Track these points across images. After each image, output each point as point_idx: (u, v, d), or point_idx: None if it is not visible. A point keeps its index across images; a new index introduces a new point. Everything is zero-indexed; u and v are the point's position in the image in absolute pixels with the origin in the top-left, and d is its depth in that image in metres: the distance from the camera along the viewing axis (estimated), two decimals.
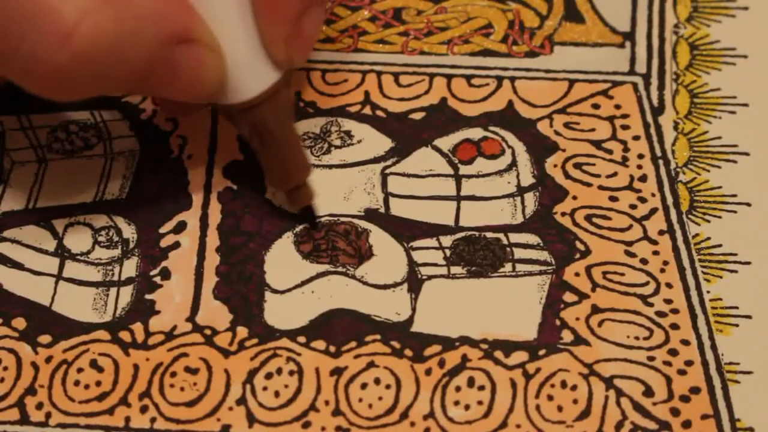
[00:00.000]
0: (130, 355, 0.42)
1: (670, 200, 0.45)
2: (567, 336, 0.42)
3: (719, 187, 0.46)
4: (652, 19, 0.50)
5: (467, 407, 0.41)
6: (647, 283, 0.43)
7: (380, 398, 0.41)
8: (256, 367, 0.42)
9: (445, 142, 0.47)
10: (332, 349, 0.42)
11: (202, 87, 0.40)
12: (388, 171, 0.46)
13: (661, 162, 0.46)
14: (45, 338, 0.42)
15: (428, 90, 0.48)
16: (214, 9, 0.40)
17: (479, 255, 0.44)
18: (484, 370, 0.41)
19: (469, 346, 0.42)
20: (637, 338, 0.42)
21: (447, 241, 0.44)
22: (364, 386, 0.41)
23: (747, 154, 0.47)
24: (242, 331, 0.42)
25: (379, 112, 0.48)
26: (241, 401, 0.41)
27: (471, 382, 0.41)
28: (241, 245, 0.44)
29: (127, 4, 0.38)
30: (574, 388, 0.41)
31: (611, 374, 0.41)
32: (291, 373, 0.41)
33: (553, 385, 0.41)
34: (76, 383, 0.41)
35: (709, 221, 0.45)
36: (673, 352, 0.42)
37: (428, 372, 0.41)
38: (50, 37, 0.37)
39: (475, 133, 0.47)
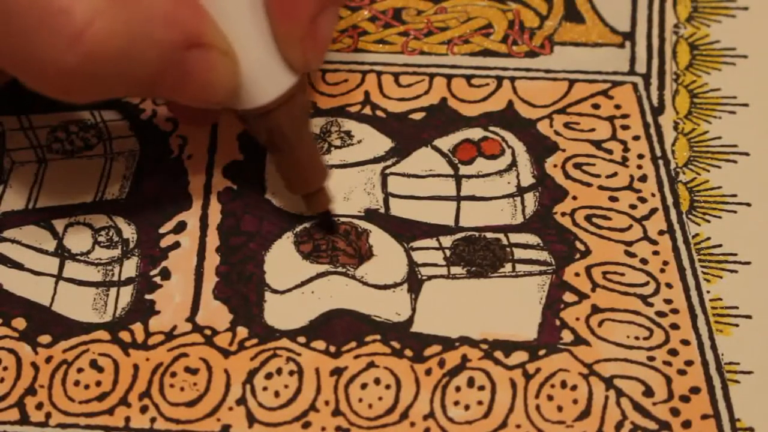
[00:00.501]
0: (130, 355, 0.42)
1: (670, 200, 0.45)
2: (567, 336, 0.42)
3: (719, 187, 0.46)
4: (652, 19, 0.50)
5: (467, 407, 0.41)
6: (647, 283, 0.43)
7: (380, 398, 0.41)
8: (256, 367, 0.42)
9: (445, 142, 0.47)
10: (332, 349, 0.42)
11: (214, 92, 0.40)
12: (388, 171, 0.46)
13: (661, 162, 0.46)
14: (45, 338, 0.42)
15: (428, 90, 0.48)
16: (227, 12, 0.40)
17: (479, 255, 0.44)
18: (484, 370, 0.41)
19: (469, 346, 0.42)
20: (637, 338, 0.42)
21: (447, 241, 0.44)
22: (364, 386, 0.41)
23: (747, 154, 0.47)
24: (242, 331, 0.42)
25: (379, 112, 0.48)
26: (241, 401, 0.41)
27: (471, 382, 0.41)
28: (241, 245, 0.44)
29: (137, 7, 0.37)
30: (574, 388, 0.41)
31: (611, 374, 0.41)
32: (291, 373, 0.41)
33: (553, 385, 0.41)
34: (76, 383, 0.41)
35: (709, 221, 0.45)
36: (673, 352, 0.42)
37: (428, 372, 0.41)
38: (60, 38, 0.37)
39: (475, 133, 0.47)
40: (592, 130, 0.47)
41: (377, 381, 0.41)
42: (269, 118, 0.42)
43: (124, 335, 0.42)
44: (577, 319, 0.42)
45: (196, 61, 0.39)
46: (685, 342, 0.42)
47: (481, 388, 0.41)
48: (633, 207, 0.45)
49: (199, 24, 0.39)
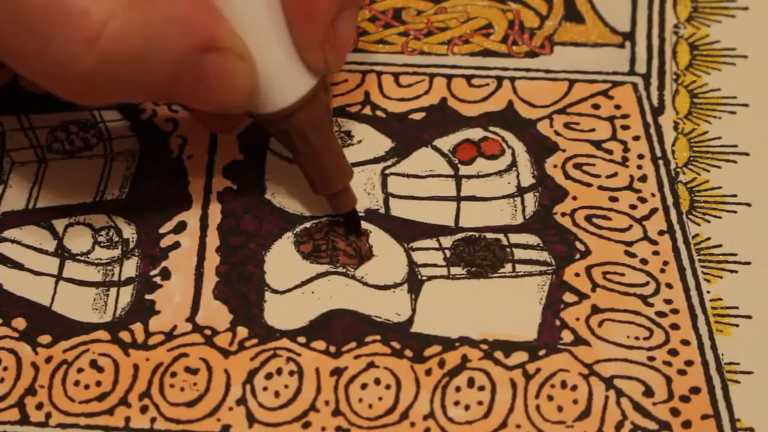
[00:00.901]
0: (130, 355, 0.42)
1: (670, 200, 0.45)
2: (567, 336, 0.42)
3: (719, 187, 0.46)
4: (652, 19, 0.50)
5: (467, 407, 0.41)
6: (647, 284, 0.43)
7: (380, 398, 0.41)
8: (256, 368, 0.42)
9: (445, 143, 0.47)
10: (332, 349, 0.42)
11: (232, 97, 0.40)
12: (388, 171, 0.46)
13: (661, 162, 0.46)
14: (45, 338, 0.42)
15: (428, 90, 0.48)
16: (244, 16, 0.39)
17: (479, 256, 0.44)
18: (484, 370, 0.41)
19: (469, 347, 0.42)
20: (637, 338, 0.42)
21: (447, 241, 0.44)
22: (364, 386, 0.41)
23: (747, 154, 0.47)
24: (242, 332, 0.42)
25: (379, 113, 0.48)
26: (241, 401, 0.41)
27: (471, 383, 0.41)
28: (241, 245, 0.44)
29: (153, 9, 0.37)
30: (574, 388, 0.41)
31: (611, 374, 0.41)
32: (291, 373, 0.41)
33: (553, 386, 0.41)
34: (76, 383, 0.41)
35: (709, 221, 0.45)
36: (673, 352, 0.42)
37: (428, 372, 0.41)
38: (76, 39, 0.37)
39: (475, 133, 0.47)
40: (592, 130, 0.47)
41: (377, 381, 0.41)
42: (290, 121, 0.41)
43: (124, 335, 0.42)
44: (577, 319, 0.43)
45: (212, 65, 0.39)
46: (685, 342, 0.42)
47: (481, 388, 0.41)
48: (633, 207, 0.45)
49: (215, 28, 0.39)
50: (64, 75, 0.38)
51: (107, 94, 0.39)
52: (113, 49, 0.37)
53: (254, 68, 0.40)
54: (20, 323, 0.43)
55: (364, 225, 0.45)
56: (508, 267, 0.44)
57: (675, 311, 0.43)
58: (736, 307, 0.43)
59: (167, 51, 0.38)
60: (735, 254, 0.44)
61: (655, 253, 0.44)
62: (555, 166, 0.46)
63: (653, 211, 0.45)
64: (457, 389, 0.41)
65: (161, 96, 0.40)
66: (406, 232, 0.45)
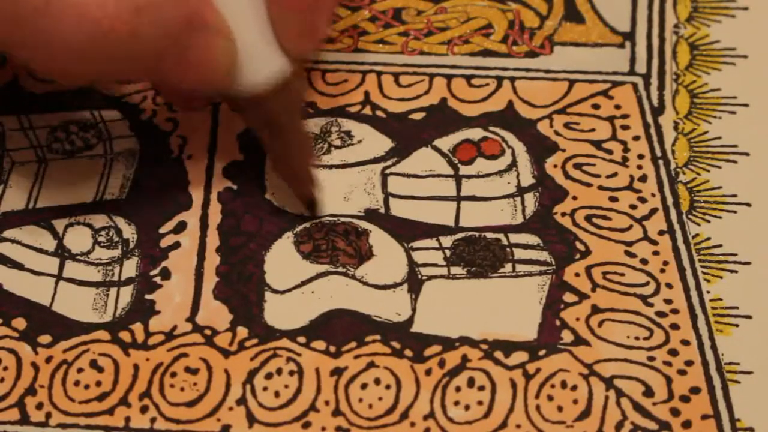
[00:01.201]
0: (130, 355, 0.42)
1: (670, 200, 0.45)
2: (567, 336, 0.42)
3: (719, 187, 0.46)
4: (652, 19, 0.50)
5: (467, 407, 0.41)
6: (647, 284, 0.43)
7: (380, 398, 0.41)
8: (256, 367, 0.42)
9: (445, 143, 0.47)
10: (332, 349, 0.42)
11: (213, 75, 0.41)
12: (388, 171, 0.46)
13: (661, 162, 0.46)
14: (45, 338, 0.42)
15: (428, 90, 0.48)
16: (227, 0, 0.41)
17: (479, 255, 0.44)
18: (484, 370, 0.41)
19: (469, 347, 0.42)
20: (637, 338, 0.42)
21: (447, 241, 0.44)
22: (364, 386, 0.41)
23: (747, 154, 0.47)
24: (242, 332, 0.42)
25: (379, 113, 0.48)
26: (241, 401, 0.41)
27: (471, 383, 0.41)
28: (241, 245, 0.44)
29: None
30: (574, 388, 0.41)
31: (611, 374, 0.41)
32: (291, 373, 0.41)
33: (553, 386, 0.41)
34: (76, 383, 0.41)
35: (709, 221, 0.45)
36: (673, 352, 0.42)
37: (428, 372, 0.41)
38: (69, 18, 0.37)
39: (475, 133, 0.47)
40: (592, 130, 0.47)
41: (377, 381, 0.41)
42: (264, 105, 0.42)
43: (124, 335, 0.42)
44: (577, 319, 0.43)
45: (197, 42, 0.40)
46: (685, 342, 0.42)
47: (481, 388, 0.41)
48: (633, 207, 0.45)
49: (202, 5, 0.40)
50: (57, 55, 0.38)
51: (98, 71, 0.40)
52: (105, 27, 0.37)
53: (235, 48, 0.41)
54: (20, 323, 0.43)
55: (364, 225, 0.45)
56: (508, 267, 0.44)
57: (675, 311, 0.43)
58: (736, 307, 0.43)
59: (157, 26, 0.39)
60: (735, 254, 0.44)
61: (655, 253, 0.44)
62: (555, 166, 0.46)
63: (653, 211, 0.45)
64: (457, 389, 0.41)
65: (146, 73, 0.41)
66: (406, 232, 0.45)
